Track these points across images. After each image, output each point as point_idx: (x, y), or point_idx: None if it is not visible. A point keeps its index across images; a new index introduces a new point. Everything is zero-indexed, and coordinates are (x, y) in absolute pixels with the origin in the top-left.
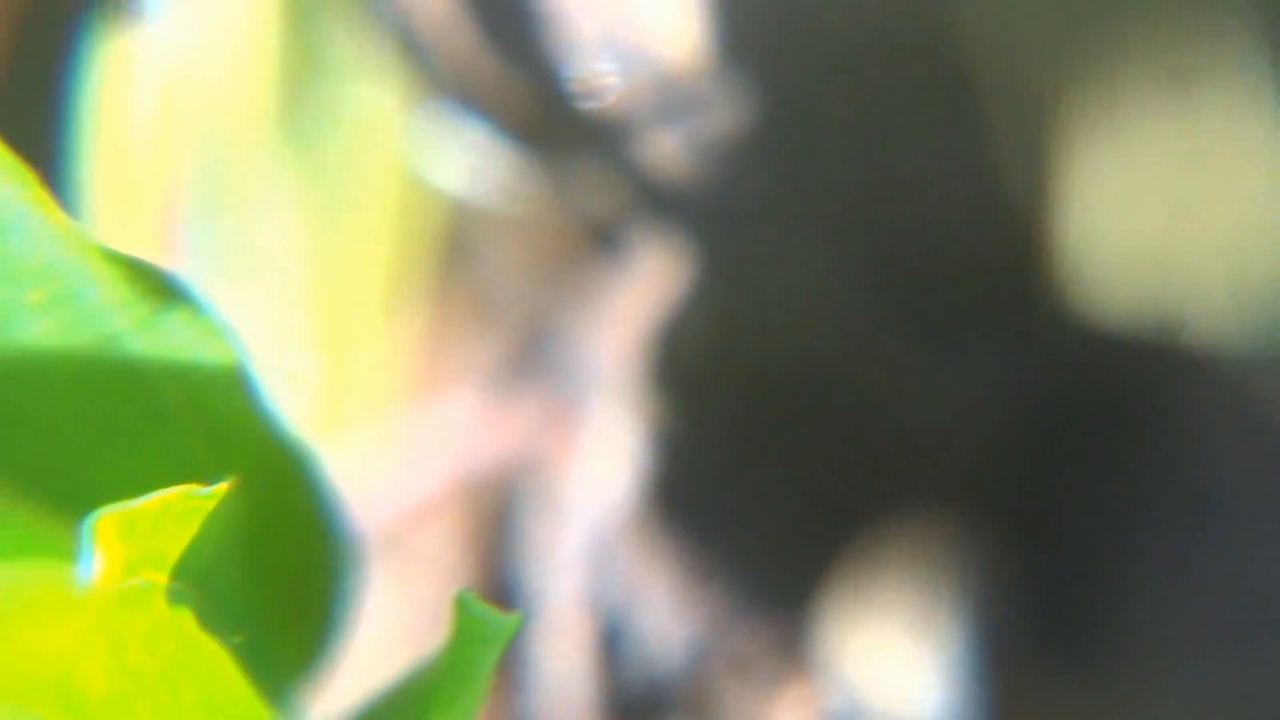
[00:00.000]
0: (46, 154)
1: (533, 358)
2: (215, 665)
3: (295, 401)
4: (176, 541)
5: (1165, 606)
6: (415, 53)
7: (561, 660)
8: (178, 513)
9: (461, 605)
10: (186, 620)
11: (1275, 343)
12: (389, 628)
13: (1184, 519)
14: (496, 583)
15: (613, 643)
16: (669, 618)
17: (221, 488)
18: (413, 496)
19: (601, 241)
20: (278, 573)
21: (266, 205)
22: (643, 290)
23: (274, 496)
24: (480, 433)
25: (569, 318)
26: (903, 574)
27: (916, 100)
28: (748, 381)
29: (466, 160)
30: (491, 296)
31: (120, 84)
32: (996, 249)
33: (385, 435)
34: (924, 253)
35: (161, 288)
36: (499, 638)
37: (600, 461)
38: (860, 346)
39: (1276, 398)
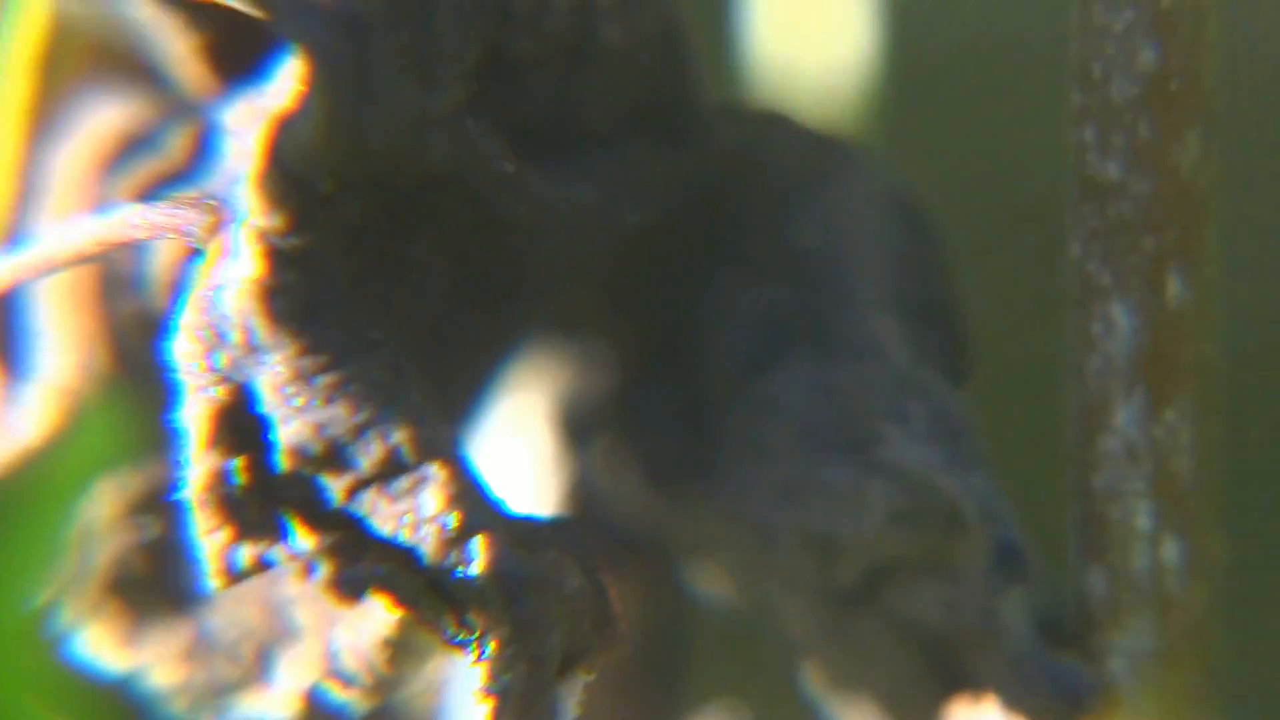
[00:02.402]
0: None
1: None
2: None
3: None
4: None
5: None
6: None
7: None
8: None
9: None
10: None
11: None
12: None
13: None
14: None
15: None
16: (276, 401)
17: None
18: None
19: None
20: None
21: None
22: None
23: None
24: None
25: None
26: (535, 369)
27: None
28: (362, 184)
29: None
30: None
31: None
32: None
33: None
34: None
35: None
36: None
37: (226, 249)
38: (473, 156)
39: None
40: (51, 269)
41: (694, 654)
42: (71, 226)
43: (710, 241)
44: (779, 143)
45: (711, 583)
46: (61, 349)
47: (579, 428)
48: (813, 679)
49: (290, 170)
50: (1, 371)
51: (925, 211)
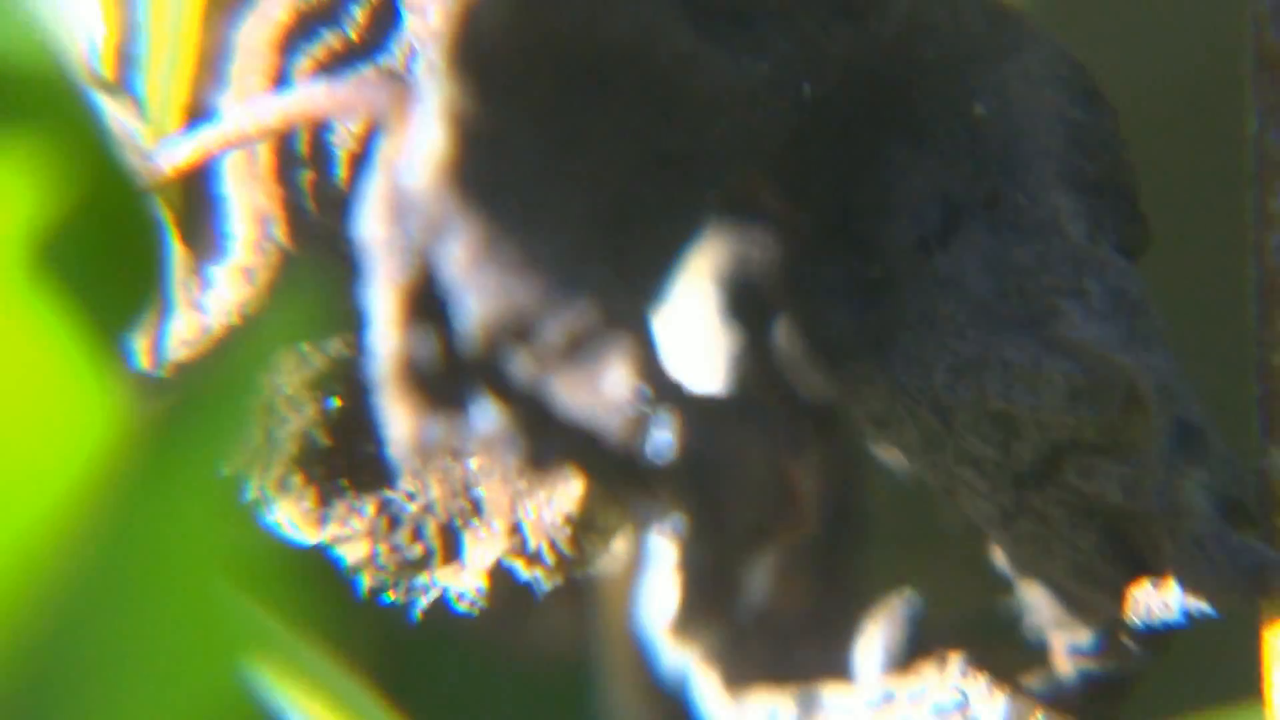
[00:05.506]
0: None
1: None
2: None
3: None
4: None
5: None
6: None
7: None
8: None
9: None
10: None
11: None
12: None
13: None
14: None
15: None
16: (467, 274)
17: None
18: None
19: None
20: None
21: None
22: None
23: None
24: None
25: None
26: (709, 249)
27: None
28: (550, 63)
29: None
30: None
31: None
32: None
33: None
34: None
35: None
36: None
37: (414, 126)
38: (658, 26)
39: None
40: (235, 146)
41: (877, 530)
42: (254, 103)
43: (883, 116)
44: (953, 16)
45: (893, 458)
46: (244, 227)
47: (755, 305)
48: (994, 557)
49: (480, 48)
50: (189, 251)
51: (1099, 85)
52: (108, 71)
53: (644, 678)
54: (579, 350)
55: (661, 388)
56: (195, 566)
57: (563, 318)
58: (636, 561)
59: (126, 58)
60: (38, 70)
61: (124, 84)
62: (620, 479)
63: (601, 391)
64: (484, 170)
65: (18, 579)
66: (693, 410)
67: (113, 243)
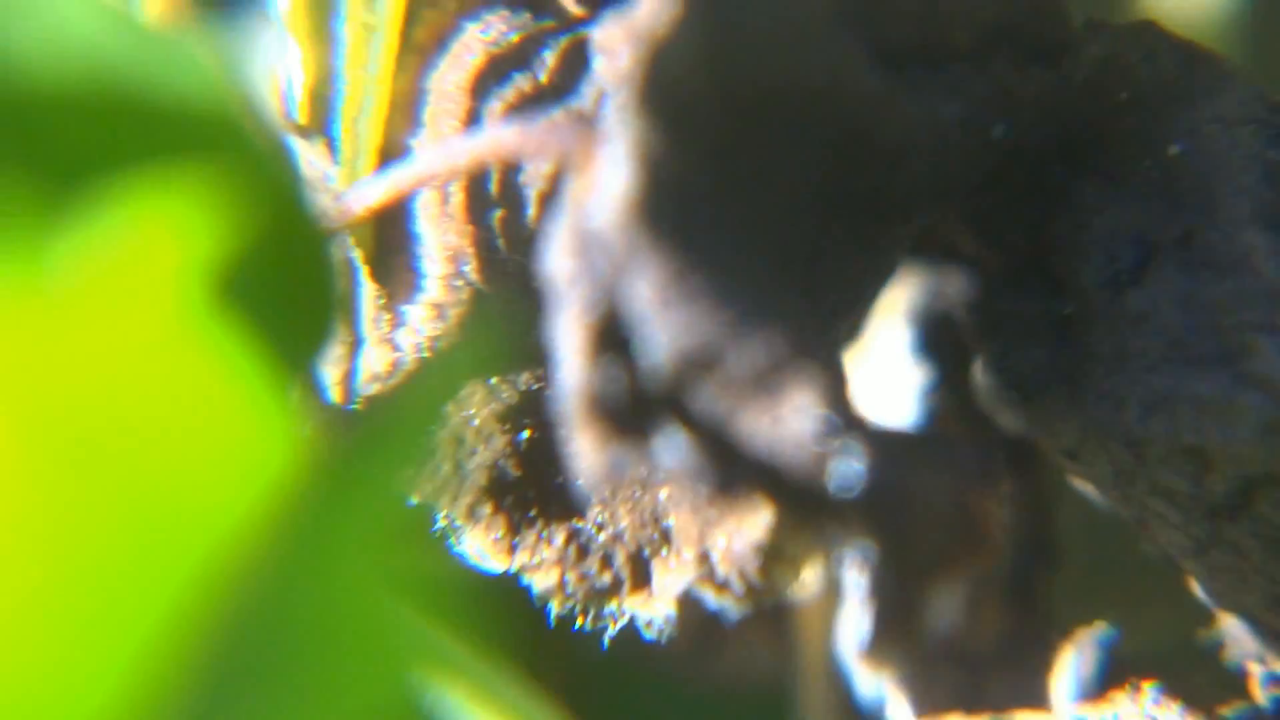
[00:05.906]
0: None
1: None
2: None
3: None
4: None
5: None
6: None
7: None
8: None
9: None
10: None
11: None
12: None
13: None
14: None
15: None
16: (655, 310)
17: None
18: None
19: None
20: (283, 277)
21: None
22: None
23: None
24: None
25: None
26: (891, 289)
27: None
28: (738, 104)
29: None
30: None
31: None
32: None
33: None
34: None
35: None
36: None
37: (603, 166)
38: (847, 70)
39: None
40: (427, 186)
41: (1075, 559)
42: (447, 145)
43: (1075, 156)
44: (1148, 56)
45: (1090, 489)
46: (437, 264)
47: (949, 341)
48: (1190, 589)
49: (669, 90)
50: (381, 288)
51: None
52: (303, 116)
53: (841, 704)
54: (766, 382)
55: (850, 418)
56: (368, 590)
57: (749, 350)
58: (835, 588)
59: (322, 102)
60: (225, 110)
61: (319, 127)
62: (809, 508)
63: (787, 423)
64: (671, 209)
65: (198, 598)
66: (879, 442)
67: (298, 279)
